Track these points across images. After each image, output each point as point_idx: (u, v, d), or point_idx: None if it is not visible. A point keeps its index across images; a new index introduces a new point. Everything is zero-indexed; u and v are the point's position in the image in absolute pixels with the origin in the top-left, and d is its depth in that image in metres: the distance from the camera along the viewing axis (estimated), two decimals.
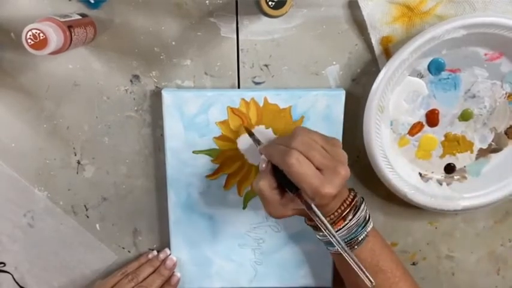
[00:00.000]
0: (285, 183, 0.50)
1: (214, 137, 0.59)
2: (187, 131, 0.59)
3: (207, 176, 0.61)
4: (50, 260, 0.67)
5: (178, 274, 0.65)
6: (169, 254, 0.64)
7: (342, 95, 0.58)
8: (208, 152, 0.60)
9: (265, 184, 0.50)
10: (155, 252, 0.66)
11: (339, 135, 0.59)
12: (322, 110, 0.58)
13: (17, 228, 0.65)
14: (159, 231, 0.66)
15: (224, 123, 0.59)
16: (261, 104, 0.58)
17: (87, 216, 0.65)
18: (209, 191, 0.62)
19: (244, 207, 0.63)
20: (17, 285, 0.67)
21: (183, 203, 0.62)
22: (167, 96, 0.57)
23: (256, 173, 0.61)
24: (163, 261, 0.64)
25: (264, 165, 0.52)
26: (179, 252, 0.64)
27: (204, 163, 0.60)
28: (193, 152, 0.60)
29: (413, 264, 0.68)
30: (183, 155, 0.60)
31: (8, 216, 0.64)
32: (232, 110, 0.58)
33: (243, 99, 0.58)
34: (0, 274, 0.67)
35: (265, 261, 0.65)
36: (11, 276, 0.67)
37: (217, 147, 0.60)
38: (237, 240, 0.64)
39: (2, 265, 0.67)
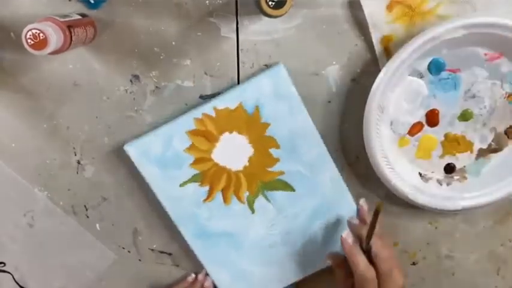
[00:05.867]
0: None
1: (190, 164, 0.59)
2: (164, 170, 0.59)
3: (204, 201, 0.61)
4: (50, 260, 0.67)
5: None
6: (207, 275, 0.65)
7: (280, 68, 0.56)
8: (193, 179, 0.60)
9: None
10: (193, 275, 0.66)
11: (301, 110, 0.58)
12: (270, 91, 0.57)
13: (17, 228, 0.65)
14: (159, 231, 0.66)
15: (191, 147, 0.59)
16: (214, 115, 0.58)
17: (87, 216, 0.65)
18: (213, 212, 0.61)
19: (252, 212, 0.62)
20: (17, 285, 0.67)
21: (197, 232, 0.62)
22: (131, 149, 0.58)
23: (246, 178, 0.60)
24: (202, 283, 0.65)
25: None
26: (219, 275, 0.65)
27: (195, 190, 0.60)
28: (180, 185, 0.60)
29: (413, 264, 0.68)
30: (173, 192, 0.60)
31: (8, 216, 0.64)
32: (192, 133, 0.58)
33: (195, 118, 0.58)
34: (0, 274, 0.67)
35: (294, 251, 0.64)
36: (11, 276, 0.67)
37: (197, 171, 0.60)
38: (264, 242, 0.64)
39: (2, 265, 0.67)
